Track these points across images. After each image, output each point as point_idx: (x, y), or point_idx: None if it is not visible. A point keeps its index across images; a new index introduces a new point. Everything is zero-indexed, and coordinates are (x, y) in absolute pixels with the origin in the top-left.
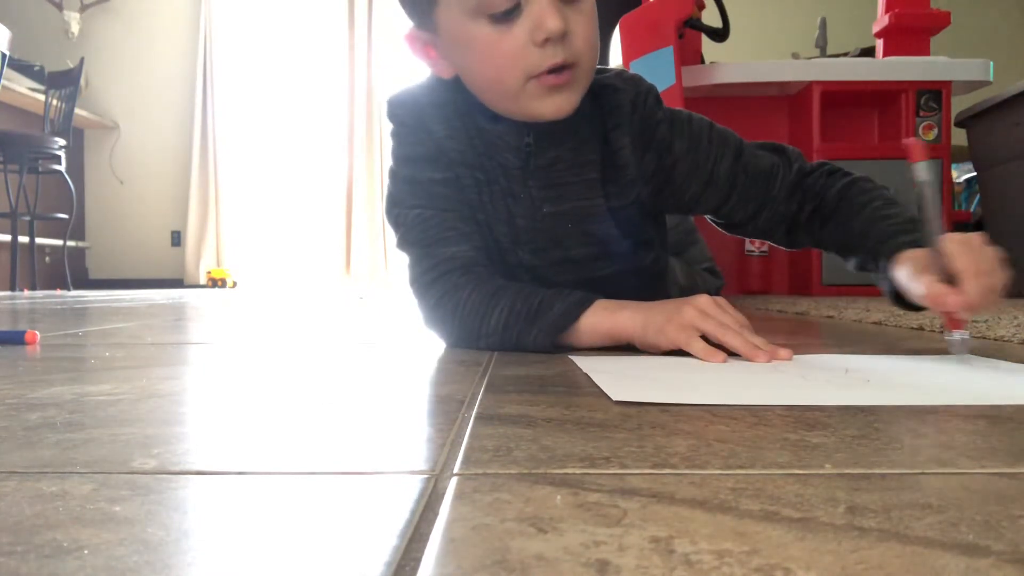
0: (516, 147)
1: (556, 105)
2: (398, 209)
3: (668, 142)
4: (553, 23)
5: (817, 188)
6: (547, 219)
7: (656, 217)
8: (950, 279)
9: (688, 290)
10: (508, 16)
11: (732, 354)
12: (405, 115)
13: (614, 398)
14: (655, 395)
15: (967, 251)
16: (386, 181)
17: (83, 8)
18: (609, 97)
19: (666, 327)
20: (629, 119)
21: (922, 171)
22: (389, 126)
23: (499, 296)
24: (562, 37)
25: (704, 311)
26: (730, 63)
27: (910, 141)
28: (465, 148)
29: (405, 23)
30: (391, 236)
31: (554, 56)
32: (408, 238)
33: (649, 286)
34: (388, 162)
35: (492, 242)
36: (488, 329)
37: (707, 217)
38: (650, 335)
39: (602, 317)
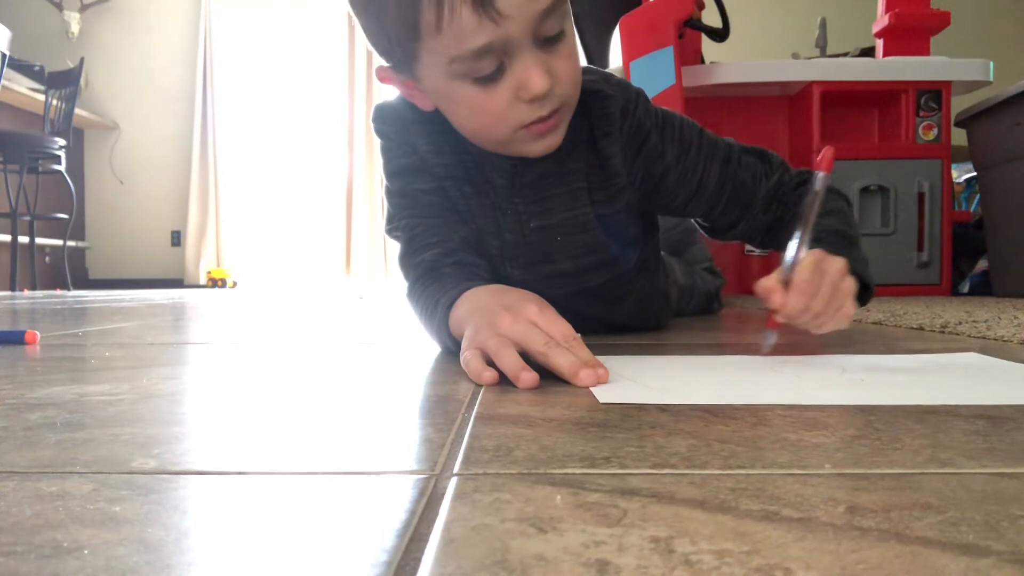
0: (501, 167)
1: (545, 146)
2: (392, 224)
3: (659, 150)
4: (539, 84)
5: (790, 200)
6: (535, 234)
7: (644, 216)
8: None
9: (688, 290)
10: (492, 78)
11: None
12: (389, 130)
13: (600, 400)
14: (642, 396)
15: (812, 270)
16: (386, 181)
17: (83, 8)
18: (598, 103)
19: (481, 334)
20: (619, 127)
21: (820, 182)
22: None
23: (422, 301)
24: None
25: (530, 320)
26: (730, 63)
27: (826, 151)
28: (451, 162)
29: None
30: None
31: (541, 109)
32: (400, 251)
33: (643, 288)
34: None
35: (485, 255)
36: (429, 334)
37: (693, 220)
38: (469, 340)
39: (455, 318)
